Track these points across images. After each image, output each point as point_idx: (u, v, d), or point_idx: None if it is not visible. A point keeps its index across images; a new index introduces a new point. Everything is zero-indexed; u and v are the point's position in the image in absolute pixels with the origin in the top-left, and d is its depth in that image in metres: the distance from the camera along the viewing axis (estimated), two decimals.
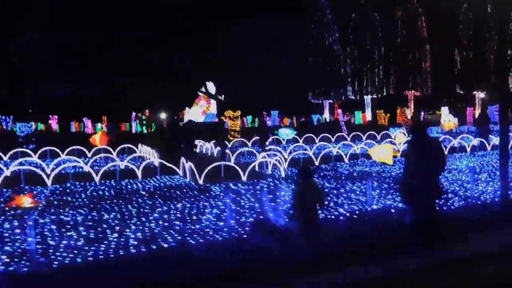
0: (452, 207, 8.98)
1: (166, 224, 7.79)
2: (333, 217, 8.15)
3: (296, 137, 26.67)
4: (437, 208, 6.78)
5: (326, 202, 9.02)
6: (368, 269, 5.79)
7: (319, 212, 6.50)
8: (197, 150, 23.02)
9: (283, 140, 26.18)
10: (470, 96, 41.38)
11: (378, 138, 26.63)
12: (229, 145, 25.34)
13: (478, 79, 36.99)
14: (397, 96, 36.15)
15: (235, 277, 5.63)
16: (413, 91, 43.81)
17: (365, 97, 46.32)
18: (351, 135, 27.83)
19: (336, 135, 27.30)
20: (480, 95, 41.58)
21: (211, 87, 29.72)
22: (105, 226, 7.72)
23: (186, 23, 33.92)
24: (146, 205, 9.38)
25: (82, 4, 34.72)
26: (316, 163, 16.10)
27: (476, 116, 39.54)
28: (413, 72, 40.35)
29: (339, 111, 31.10)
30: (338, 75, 39.88)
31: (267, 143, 25.66)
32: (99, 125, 40.38)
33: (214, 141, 22.56)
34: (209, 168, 12.50)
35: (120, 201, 9.84)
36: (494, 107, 33.46)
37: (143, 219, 8.15)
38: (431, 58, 42.30)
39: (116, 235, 7.17)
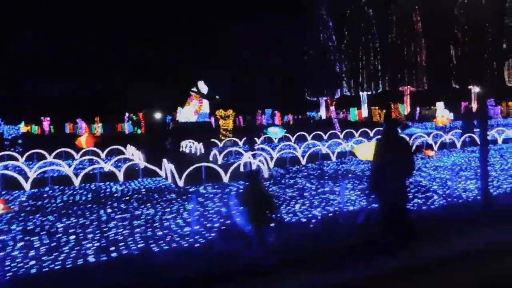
0: (432, 206, 8.77)
1: (133, 230, 7.58)
2: (305, 219, 7.93)
3: (288, 135, 26.46)
4: (407, 207, 6.57)
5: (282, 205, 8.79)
6: (342, 271, 5.64)
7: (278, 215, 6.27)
8: (187, 151, 22.83)
9: (275, 139, 25.95)
10: (466, 91, 41.08)
11: (371, 135, 26.40)
12: (220, 145, 25.16)
13: (472, 74, 36.70)
14: (391, 92, 35.87)
15: (200, 283, 5.47)
16: (408, 87, 43.49)
17: (361, 93, 46.03)
18: (343, 132, 27.63)
19: (329, 132, 27.09)
20: (475, 89, 41.25)
21: (202, 86, 29.51)
22: (69, 233, 7.50)
23: (186, 23, 33.69)
24: (118, 209, 9.17)
25: (82, 4, 34.51)
26: (303, 162, 15.88)
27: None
28: (407, 68, 40.09)
29: (332, 108, 30.82)
30: (333, 72, 39.59)
31: (258, 142, 25.52)
32: (95, 126, 40.22)
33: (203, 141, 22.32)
34: (189, 169, 12.27)
35: (94, 206, 9.63)
36: (488, 102, 33.24)
37: (111, 225, 7.93)
38: (426, 53, 41.97)
39: (79, 242, 6.95)
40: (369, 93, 43.35)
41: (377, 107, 38.23)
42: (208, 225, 7.66)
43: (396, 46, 38.74)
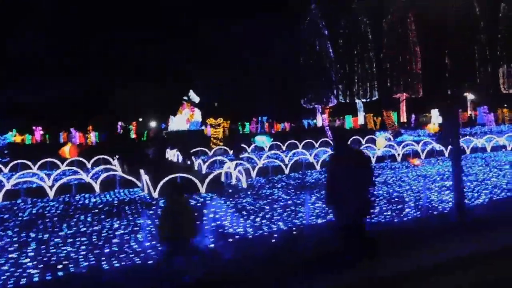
0: (405, 218, 8.50)
1: (89, 245, 7.31)
2: (269, 232, 7.65)
3: (279, 143, 26.23)
4: (366, 221, 6.31)
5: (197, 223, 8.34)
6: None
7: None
8: (175, 160, 22.58)
9: (266, 147, 25.70)
10: (461, 97, 40.76)
11: (363, 142, 26.10)
12: (210, 153, 24.91)
13: (465, 80, 36.45)
14: (384, 99, 35.60)
15: None
16: (404, 94, 43.18)
17: (357, 101, 45.76)
18: None
19: (320, 140, 26.83)
20: (470, 96, 41.00)
21: (193, 96, 29.35)
22: (21, 249, 7.23)
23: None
24: (82, 223, 8.90)
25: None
26: (286, 171, 15.61)
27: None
28: (401, 75, 39.85)
29: (324, 116, 30.58)
30: (326, 80, 39.41)
31: (249, 150, 25.29)
32: (88, 135, 39.97)
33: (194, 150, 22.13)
34: (164, 180, 11.99)
35: (59, 220, 9.37)
36: (482, 108, 32.94)
37: (69, 240, 7.67)
38: (421, 60, 41.72)
39: (28, 259, 6.69)
40: (364, 100, 43.11)
41: (371, 114, 37.93)
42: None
43: (390, 53, 38.55)
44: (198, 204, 10.37)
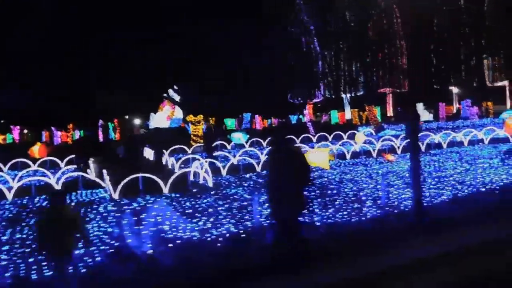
0: (364, 218, 8.23)
1: (24, 253, 6.95)
2: (217, 236, 7.33)
3: (260, 140, 25.94)
4: (301, 223, 6.03)
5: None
6: None
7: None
8: (151, 158, 22.19)
9: (246, 143, 25.38)
10: (446, 92, 40.76)
11: (345, 137, 25.86)
12: (189, 151, 24.56)
13: (451, 74, 36.44)
14: (368, 94, 35.41)
15: None
16: (391, 89, 43.06)
17: (343, 96, 45.61)
18: (317, 135, 27.17)
19: (302, 136, 26.56)
20: (455, 90, 40.93)
21: (172, 94, 28.96)
22: None
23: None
24: (28, 228, 8.53)
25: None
26: (258, 169, 15.31)
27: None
28: (386, 69, 39.72)
29: (305, 111, 30.32)
30: (310, 75, 39.19)
31: (229, 147, 24.99)
32: (76, 133, 39.37)
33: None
34: (125, 180, 11.61)
35: (8, 224, 8.99)
36: (465, 102, 32.85)
37: (5, 247, 7.30)
38: (407, 55, 41.63)
39: None
40: (349, 95, 42.96)
41: (356, 109, 37.76)
42: (102, 247, 7.03)
43: (375, 49, 38.38)
44: (138, 208, 10.04)
